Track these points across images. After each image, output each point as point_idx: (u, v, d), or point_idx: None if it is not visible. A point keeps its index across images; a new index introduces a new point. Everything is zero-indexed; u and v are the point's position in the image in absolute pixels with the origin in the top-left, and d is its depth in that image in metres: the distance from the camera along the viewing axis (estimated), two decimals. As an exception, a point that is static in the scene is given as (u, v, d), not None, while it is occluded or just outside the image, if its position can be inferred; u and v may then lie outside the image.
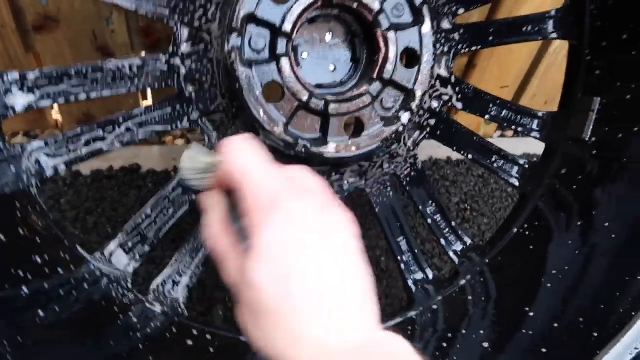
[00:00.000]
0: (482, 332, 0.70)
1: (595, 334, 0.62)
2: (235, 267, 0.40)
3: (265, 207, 0.38)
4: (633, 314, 0.62)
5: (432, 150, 1.32)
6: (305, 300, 0.37)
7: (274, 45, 0.60)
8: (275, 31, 0.59)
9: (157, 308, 0.63)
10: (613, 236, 0.70)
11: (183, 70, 0.61)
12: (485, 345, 0.66)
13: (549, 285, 0.72)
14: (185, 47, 0.61)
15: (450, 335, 0.74)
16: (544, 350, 0.61)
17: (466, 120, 1.41)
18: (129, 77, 0.60)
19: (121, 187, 0.99)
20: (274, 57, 0.60)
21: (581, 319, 0.66)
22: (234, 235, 0.42)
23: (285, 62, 0.60)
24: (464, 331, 0.73)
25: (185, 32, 0.61)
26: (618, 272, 0.68)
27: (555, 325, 0.63)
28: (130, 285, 0.62)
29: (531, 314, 0.66)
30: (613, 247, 0.70)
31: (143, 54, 1.02)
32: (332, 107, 0.63)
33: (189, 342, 0.62)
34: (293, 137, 0.62)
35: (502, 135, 1.41)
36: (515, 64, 1.25)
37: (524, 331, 0.66)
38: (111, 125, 0.61)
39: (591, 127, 0.74)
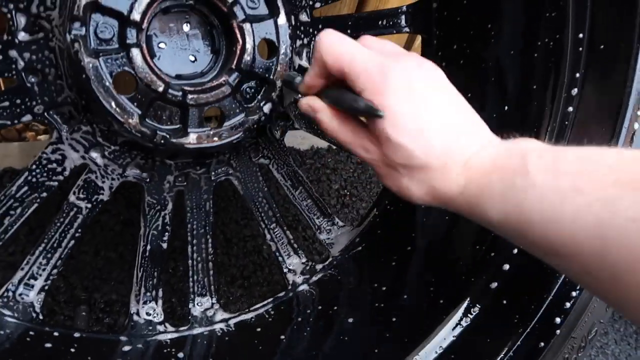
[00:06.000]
0: (350, 308, 0.75)
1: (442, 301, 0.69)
2: (370, 145, 0.50)
3: (379, 77, 0.47)
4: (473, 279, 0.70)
5: (314, 139, 1.36)
6: (445, 142, 0.47)
7: (123, 35, 0.58)
8: (124, 20, 0.57)
9: (7, 314, 0.59)
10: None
11: (21, 62, 0.57)
12: (350, 320, 0.71)
13: (410, 260, 0.79)
14: (22, 36, 0.57)
15: (323, 313, 0.77)
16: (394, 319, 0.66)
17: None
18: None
19: (-28, 189, 0.90)
20: (124, 47, 0.58)
21: (432, 288, 0.73)
22: (352, 120, 0.51)
23: (136, 52, 0.58)
24: (335, 308, 0.77)
25: (22, 20, 0.57)
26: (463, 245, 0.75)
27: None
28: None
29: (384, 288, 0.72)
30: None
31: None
32: (191, 98, 0.62)
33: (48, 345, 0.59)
34: (150, 128, 0.61)
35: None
36: (387, 56, 1.32)
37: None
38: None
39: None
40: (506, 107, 0.72)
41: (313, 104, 0.54)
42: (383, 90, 0.46)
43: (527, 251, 0.44)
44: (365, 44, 0.52)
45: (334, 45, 0.50)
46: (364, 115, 0.49)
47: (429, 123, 0.47)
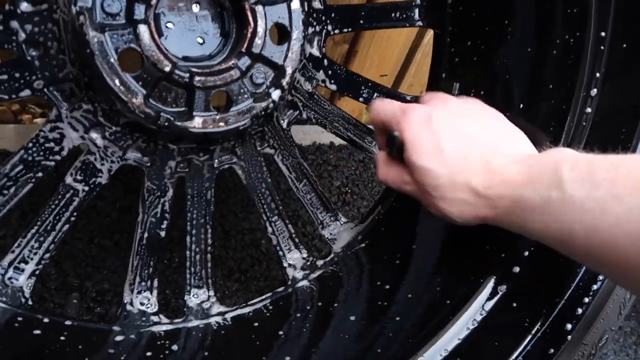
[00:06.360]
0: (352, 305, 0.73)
1: (448, 302, 0.67)
2: (408, 177, 0.56)
3: (401, 116, 0.55)
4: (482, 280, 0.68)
5: (316, 135, 1.34)
6: (465, 158, 0.51)
7: (130, 10, 0.55)
8: (132, -6, 0.55)
9: (-6, 299, 0.57)
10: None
11: (23, 34, 0.55)
12: (352, 318, 0.68)
13: (415, 259, 0.77)
14: (25, 7, 0.54)
15: (323, 309, 0.75)
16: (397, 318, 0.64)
17: (349, 106, 1.45)
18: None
19: (-36, 169, 0.87)
20: (131, 22, 0.56)
21: (438, 288, 0.71)
22: (398, 164, 0.58)
23: (143, 29, 0.56)
24: (335, 305, 0.74)
25: (25, -11, 0.54)
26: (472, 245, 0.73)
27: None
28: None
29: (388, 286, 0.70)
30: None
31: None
32: (198, 80, 0.60)
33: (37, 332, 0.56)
34: (154, 110, 0.59)
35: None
36: (394, 53, 1.30)
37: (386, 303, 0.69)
38: None
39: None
40: (520, 105, 0.70)
41: (376, 154, 0.65)
42: (405, 125, 0.54)
43: (573, 259, 0.45)
44: (423, 99, 0.62)
45: (376, 106, 0.62)
46: (393, 144, 0.57)
47: (447, 144, 0.52)
